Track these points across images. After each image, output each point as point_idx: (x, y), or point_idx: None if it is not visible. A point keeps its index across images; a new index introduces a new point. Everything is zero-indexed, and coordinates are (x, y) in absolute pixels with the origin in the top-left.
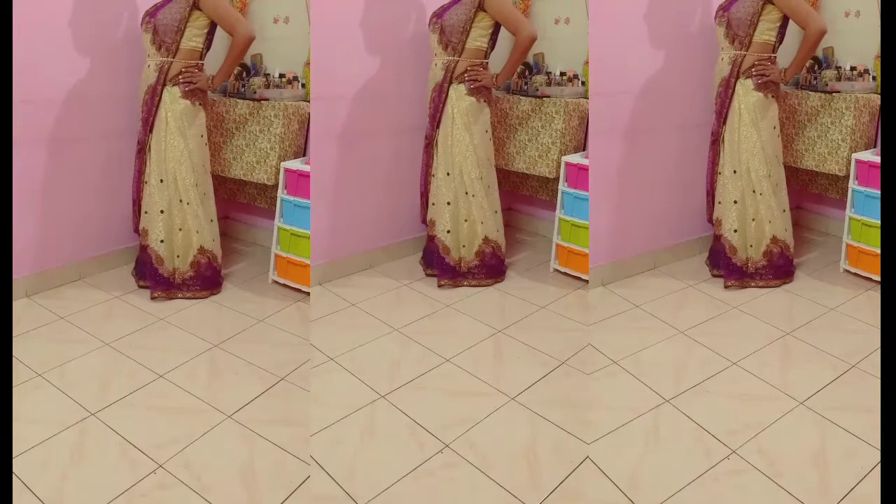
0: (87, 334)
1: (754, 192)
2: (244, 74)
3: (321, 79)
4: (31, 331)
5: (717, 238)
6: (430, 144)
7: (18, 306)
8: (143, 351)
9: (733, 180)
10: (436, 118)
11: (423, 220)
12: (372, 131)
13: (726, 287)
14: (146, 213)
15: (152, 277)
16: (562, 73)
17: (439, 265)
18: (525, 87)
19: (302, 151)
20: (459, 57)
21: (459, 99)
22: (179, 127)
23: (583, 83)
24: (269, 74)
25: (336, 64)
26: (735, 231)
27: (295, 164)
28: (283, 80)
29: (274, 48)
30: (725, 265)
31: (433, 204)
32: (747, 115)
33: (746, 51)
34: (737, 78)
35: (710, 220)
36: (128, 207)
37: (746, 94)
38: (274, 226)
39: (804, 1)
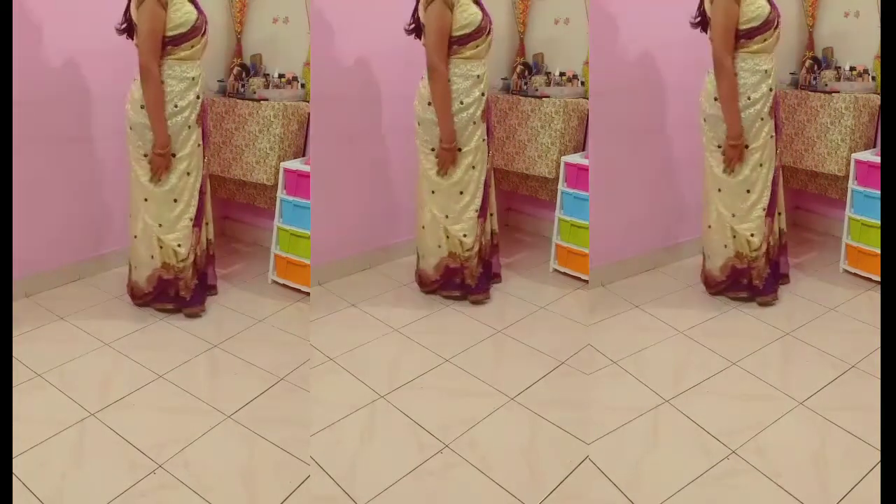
0: (87, 334)
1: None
2: (244, 74)
3: (321, 79)
4: (31, 331)
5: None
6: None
7: (18, 306)
8: (143, 351)
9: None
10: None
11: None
12: (372, 131)
13: (770, 305)
14: (210, 239)
15: (199, 290)
16: (561, 74)
17: (485, 280)
18: (524, 87)
19: (301, 151)
20: None
21: None
22: None
23: (582, 83)
24: (268, 74)
25: (335, 64)
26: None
27: (294, 165)
28: (283, 80)
29: (274, 48)
30: (773, 279)
31: (491, 214)
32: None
33: None
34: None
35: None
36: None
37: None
38: (274, 226)
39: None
